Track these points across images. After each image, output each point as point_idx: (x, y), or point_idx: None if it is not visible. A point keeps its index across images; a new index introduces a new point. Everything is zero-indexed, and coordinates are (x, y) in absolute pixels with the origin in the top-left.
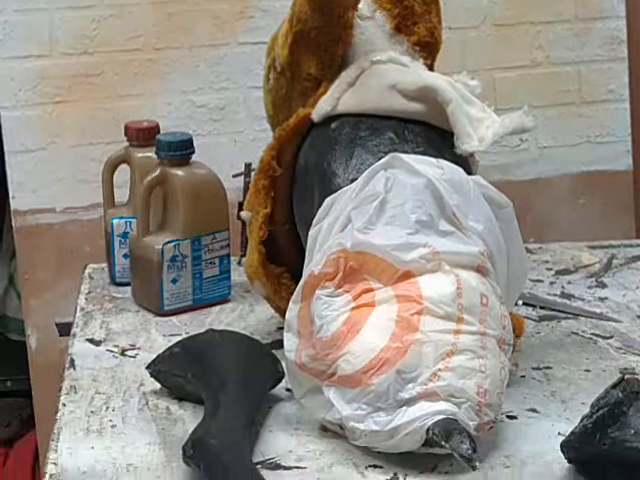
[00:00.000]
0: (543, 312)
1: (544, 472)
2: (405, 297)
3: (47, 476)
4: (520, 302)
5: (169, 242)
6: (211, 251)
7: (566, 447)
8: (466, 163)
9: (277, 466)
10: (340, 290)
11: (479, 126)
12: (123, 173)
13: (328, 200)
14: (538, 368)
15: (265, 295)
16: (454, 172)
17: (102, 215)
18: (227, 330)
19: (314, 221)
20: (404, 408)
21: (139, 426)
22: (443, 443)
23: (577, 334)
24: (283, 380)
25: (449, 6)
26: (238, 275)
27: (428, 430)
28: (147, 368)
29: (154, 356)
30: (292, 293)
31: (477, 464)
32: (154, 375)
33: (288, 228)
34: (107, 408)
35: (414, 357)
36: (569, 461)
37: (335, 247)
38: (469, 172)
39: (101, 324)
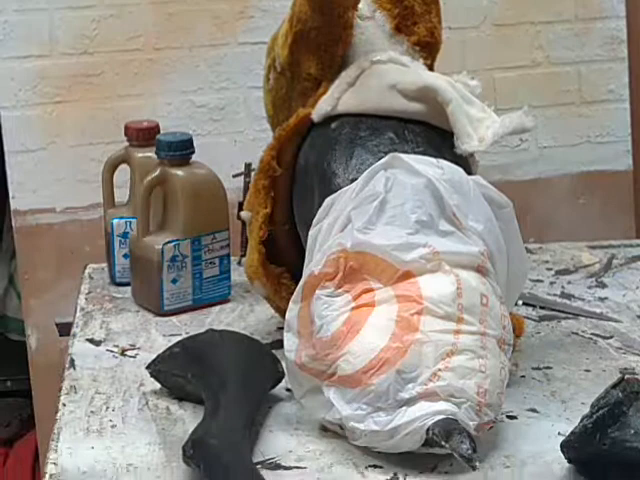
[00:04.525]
0: (543, 312)
1: (544, 472)
2: (405, 297)
3: (47, 476)
4: (520, 302)
5: (169, 242)
6: (211, 251)
7: (566, 447)
8: (466, 163)
9: (277, 466)
10: (340, 290)
11: (479, 126)
12: (123, 173)
13: (328, 200)
14: (538, 368)
15: (265, 295)
16: (454, 172)
17: (102, 215)
18: (227, 330)
19: (314, 221)
20: (404, 408)
21: (139, 426)
22: (443, 443)
23: (577, 334)
24: (283, 380)
25: (449, 6)
26: (238, 275)
27: (428, 430)
28: (147, 368)
29: (154, 356)
30: (292, 293)
31: (477, 464)
32: (154, 375)
33: (288, 228)
34: (107, 408)
35: (414, 357)
36: (569, 461)
37: (335, 247)
38: (469, 172)
39: (101, 324)
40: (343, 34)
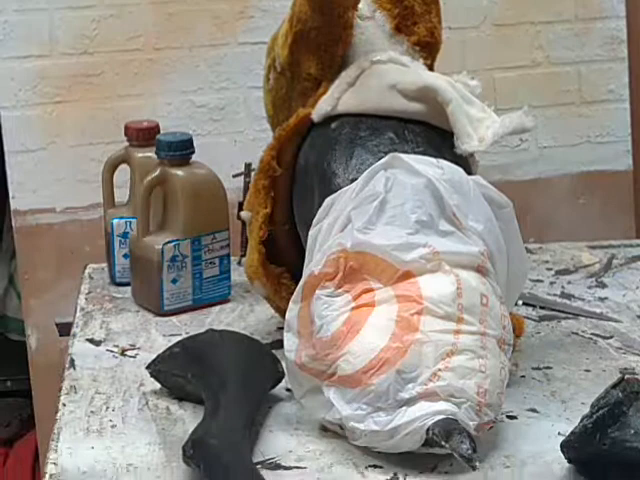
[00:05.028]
0: (543, 312)
1: (544, 472)
2: (405, 297)
3: (47, 476)
4: (520, 302)
5: (169, 242)
6: (211, 251)
7: (566, 447)
8: (466, 163)
9: (277, 466)
10: (340, 290)
11: (479, 126)
12: (123, 173)
13: (328, 200)
14: (538, 368)
15: (265, 295)
16: (454, 172)
17: (102, 215)
18: (227, 330)
19: (314, 221)
20: (404, 408)
21: (139, 426)
22: (443, 443)
23: (577, 334)
24: (283, 380)
25: (449, 6)
26: (238, 275)
27: (428, 430)
28: (147, 368)
29: (154, 356)
30: (292, 293)
31: (477, 464)
32: (154, 375)
33: (288, 228)
34: (107, 408)
35: (414, 357)
36: (569, 461)
37: (335, 247)
38: (469, 172)
39: (101, 324)
40: (343, 34)
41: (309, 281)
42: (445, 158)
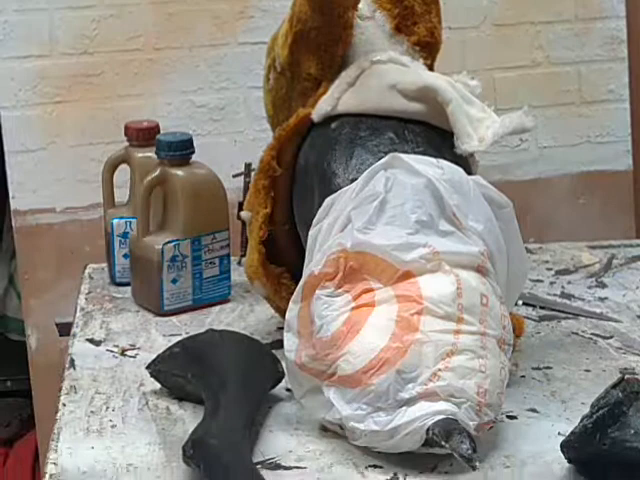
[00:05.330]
0: (543, 312)
1: (544, 472)
2: (405, 297)
3: (47, 476)
4: (520, 302)
5: (169, 242)
6: (211, 251)
7: (566, 447)
8: (466, 163)
9: (277, 466)
10: (340, 290)
11: (479, 126)
12: (123, 173)
13: (328, 200)
14: (538, 368)
15: (265, 295)
16: (454, 172)
17: (102, 215)
18: (227, 330)
19: (314, 221)
20: (404, 408)
21: (139, 426)
22: (443, 443)
23: (577, 334)
24: (283, 380)
25: (449, 6)
26: (238, 275)
27: (428, 430)
28: (147, 368)
29: (154, 356)
30: (292, 293)
31: (477, 464)
32: (154, 375)
33: (288, 228)
34: (107, 408)
35: (414, 357)
36: (569, 461)
37: (335, 247)
38: (469, 172)
39: (101, 324)
40: (343, 34)
41: (309, 281)
42: (445, 158)
